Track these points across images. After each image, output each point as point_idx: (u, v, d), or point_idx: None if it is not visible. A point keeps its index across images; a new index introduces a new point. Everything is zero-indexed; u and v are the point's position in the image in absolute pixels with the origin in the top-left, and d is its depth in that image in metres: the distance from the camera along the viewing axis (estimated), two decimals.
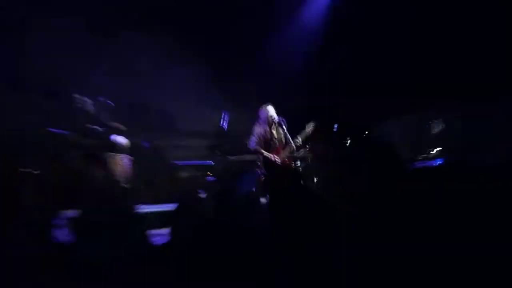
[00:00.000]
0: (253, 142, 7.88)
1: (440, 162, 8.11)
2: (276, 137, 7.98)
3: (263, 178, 7.86)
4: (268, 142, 7.89)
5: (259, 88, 10.45)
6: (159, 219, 8.43)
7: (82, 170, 7.88)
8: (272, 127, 7.97)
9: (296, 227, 2.88)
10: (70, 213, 6.43)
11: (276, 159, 7.79)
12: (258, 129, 7.92)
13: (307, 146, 9.26)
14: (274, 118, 7.95)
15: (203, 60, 10.52)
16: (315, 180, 8.97)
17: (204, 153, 9.96)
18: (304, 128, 8.13)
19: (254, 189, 8.09)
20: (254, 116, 8.89)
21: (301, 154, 9.04)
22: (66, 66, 8.70)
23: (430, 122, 9.32)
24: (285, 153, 7.95)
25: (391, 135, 9.30)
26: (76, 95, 7.99)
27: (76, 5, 8.81)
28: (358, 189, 2.60)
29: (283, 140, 8.02)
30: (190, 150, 10.39)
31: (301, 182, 3.87)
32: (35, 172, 6.91)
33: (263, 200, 4.78)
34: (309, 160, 9.37)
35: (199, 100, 10.69)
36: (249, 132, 8.10)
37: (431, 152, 8.70)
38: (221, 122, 9.76)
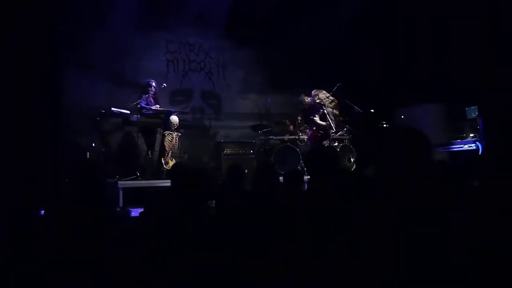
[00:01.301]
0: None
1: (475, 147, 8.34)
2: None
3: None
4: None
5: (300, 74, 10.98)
6: None
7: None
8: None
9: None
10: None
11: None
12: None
13: (346, 127, 9.80)
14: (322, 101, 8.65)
15: (248, 46, 11.07)
16: (352, 160, 9.48)
17: (248, 133, 10.66)
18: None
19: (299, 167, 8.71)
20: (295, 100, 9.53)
21: (338, 135, 9.60)
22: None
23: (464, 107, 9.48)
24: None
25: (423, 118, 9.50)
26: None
27: None
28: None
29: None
30: (234, 130, 11.14)
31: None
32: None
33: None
34: (346, 141, 9.90)
35: (244, 83, 11.38)
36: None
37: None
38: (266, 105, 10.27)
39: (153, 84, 8.83)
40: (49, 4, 7.87)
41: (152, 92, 8.77)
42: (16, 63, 7.07)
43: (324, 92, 9.86)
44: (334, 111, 9.74)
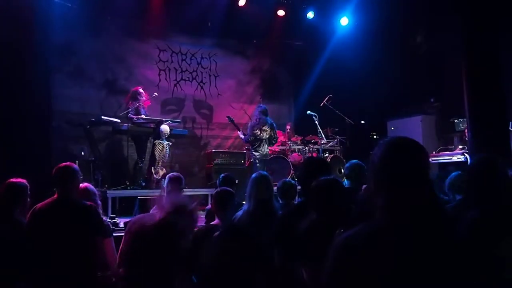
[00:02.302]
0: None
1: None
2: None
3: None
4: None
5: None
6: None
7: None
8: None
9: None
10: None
11: None
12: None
13: (337, 138, 9.83)
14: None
15: (241, 56, 11.14)
16: (342, 171, 9.50)
17: (239, 143, 10.67)
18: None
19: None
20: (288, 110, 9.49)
21: (328, 146, 9.63)
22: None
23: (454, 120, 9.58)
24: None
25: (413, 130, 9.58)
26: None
27: None
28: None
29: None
30: (225, 139, 11.15)
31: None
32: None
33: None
34: (337, 152, 9.94)
35: (237, 94, 11.42)
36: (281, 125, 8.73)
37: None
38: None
39: (141, 90, 8.73)
40: (42, 10, 7.84)
41: (142, 100, 8.66)
42: (8, 69, 7.04)
43: None
44: None
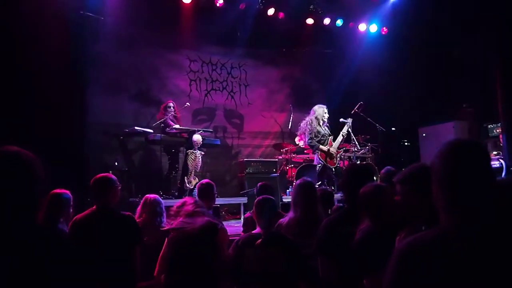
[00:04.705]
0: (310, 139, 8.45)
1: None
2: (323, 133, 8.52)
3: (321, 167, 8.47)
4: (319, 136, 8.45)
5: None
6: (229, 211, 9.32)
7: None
8: (319, 125, 8.51)
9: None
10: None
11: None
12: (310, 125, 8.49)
13: (368, 145, 9.74)
14: (324, 116, 8.52)
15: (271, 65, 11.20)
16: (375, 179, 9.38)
17: (270, 151, 10.70)
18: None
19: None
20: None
21: (360, 153, 9.53)
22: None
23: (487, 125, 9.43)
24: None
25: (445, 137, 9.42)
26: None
27: None
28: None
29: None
30: (256, 148, 11.18)
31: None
32: None
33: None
34: (368, 160, 9.84)
35: (267, 103, 11.48)
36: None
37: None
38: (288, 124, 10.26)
39: (171, 104, 8.91)
40: (76, 23, 8.05)
41: (172, 113, 8.81)
42: (45, 79, 7.21)
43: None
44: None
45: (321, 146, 8.40)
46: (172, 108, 8.87)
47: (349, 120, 8.62)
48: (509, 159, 8.09)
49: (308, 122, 8.53)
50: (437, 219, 1.51)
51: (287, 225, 3.63)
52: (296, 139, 9.97)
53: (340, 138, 8.53)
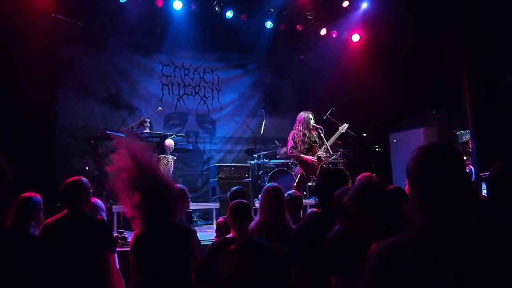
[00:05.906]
0: (291, 148, 8.30)
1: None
2: (312, 139, 8.42)
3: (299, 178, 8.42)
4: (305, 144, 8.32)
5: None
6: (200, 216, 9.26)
7: None
8: (308, 130, 8.42)
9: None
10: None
11: (314, 160, 8.23)
12: (296, 134, 8.36)
13: (340, 151, 9.79)
14: (311, 122, 8.41)
15: (243, 70, 11.22)
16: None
17: (242, 156, 10.68)
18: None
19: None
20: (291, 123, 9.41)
21: (332, 159, 9.57)
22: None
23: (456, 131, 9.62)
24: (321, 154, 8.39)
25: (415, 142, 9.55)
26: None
27: None
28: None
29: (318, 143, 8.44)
30: (228, 153, 11.16)
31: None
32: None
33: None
34: (340, 165, 9.90)
35: (240, 108, 11.47)
36: (285, 139, 8.63)
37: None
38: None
39: (148, 120, 8.92)
40: (46, 26, 7.90)
41: (147, 129, 8.76)
42: (14, 82, 7.07)
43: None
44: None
45: (302, 155, 8.22)
46: (148, 124, 8.84)
47: (344, 126, 8.59)
48: (478, 164, 8.27)
49: (295, 132, 8.39)
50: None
51: (252, 230, 3.62)
52: (283, 150, 9.76)
53: (331, 142, 8.43)
